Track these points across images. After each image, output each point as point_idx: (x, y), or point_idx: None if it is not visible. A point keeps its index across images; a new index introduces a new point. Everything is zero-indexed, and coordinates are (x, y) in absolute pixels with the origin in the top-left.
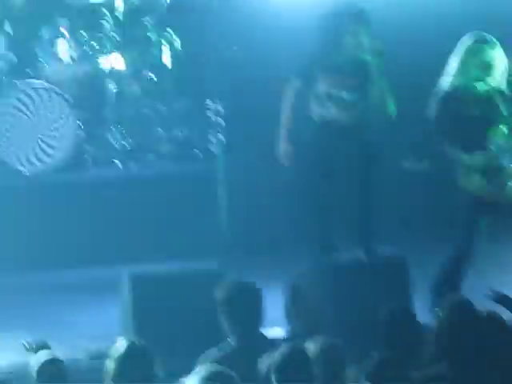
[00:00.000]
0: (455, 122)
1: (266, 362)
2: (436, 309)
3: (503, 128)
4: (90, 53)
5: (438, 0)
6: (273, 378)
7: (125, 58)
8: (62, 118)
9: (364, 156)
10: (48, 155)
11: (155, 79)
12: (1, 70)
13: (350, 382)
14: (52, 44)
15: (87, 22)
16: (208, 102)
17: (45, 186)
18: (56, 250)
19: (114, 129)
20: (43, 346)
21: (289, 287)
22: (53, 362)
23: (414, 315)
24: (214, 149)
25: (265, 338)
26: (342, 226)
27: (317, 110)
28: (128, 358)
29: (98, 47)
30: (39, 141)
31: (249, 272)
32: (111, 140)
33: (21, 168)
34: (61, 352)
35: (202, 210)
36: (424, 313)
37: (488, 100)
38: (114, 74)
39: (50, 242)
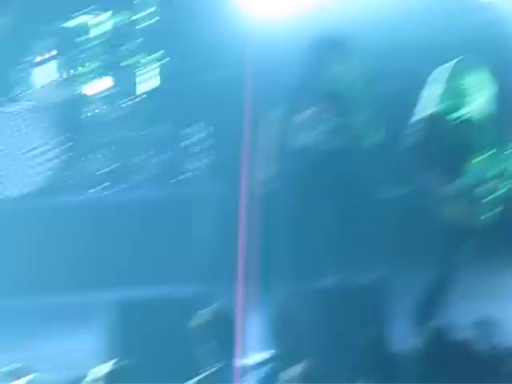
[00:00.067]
0: (434, 149)
1: None
2: (413, 331)
3: (480, 156)
4: (69, 78)
5: (417, 31)
6: None
7: (109, 82)
8: (40, 143)
9: (343, 184)
10: (25, 180)
11: (134, 104)
12: None
13: None
14: (31, 69)
15: (66, 47)
16: (187, 127)
17: (21, 211)
18: (33, 275)
19: (92, 154)
20: (26, 372)
21: (268, 313)
22: None
23: (393, 340)
24: (195, 173)
25: (242, 364)
26: (321, 251)
27: (297, 138)
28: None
29: (77, 72)
30: (18, 165)
31: (226, 298)
32: (90, 165)
33: None
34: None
35: (179, 236)
36: (403, 338)
37: (464, 128)
38: (93, 99)
39: (26, 268)
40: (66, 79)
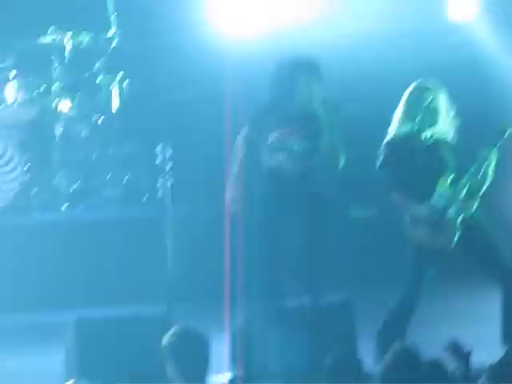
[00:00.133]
0: (401, 172)
1: None
2: (377, 353)
3: (449, 178)
4: (38, 96)
5: (388, 54)
6: None
7: (72, 102)
8: (8, 162)
9: (312, 205)
10: None
11: (103, 123)
12: None
13: None
14: None
15: (35, 65)
16: (156, 146)
17: None
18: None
19: (60, 172)
20: None
21: (236, 333)
22: None
23: (360, 360)
24: (161, 193)
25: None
26: (289, 272)
27: (267, 160)
28: None
29: (45, 90)
30: None
31: (196, 318)
32: (58, 184)
33: None
34: None
35: (148, 255)
36: (369, 358)
37: (433, 149)
38: (61, 117)
39: None
40: (32, 98)
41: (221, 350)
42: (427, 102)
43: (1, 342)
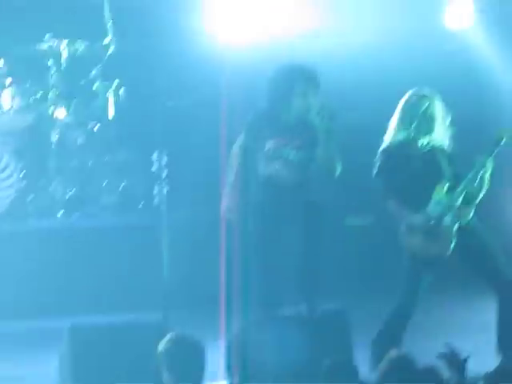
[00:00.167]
0: (397, 179)
1: None
2: (372, 362)
3: (445, 186)
4: (34, 103)
5: (384, 62)
6: None
7: (68, 109)
8: (4, 168)
9: (308, 214)
10: None
11: (99, 130)
12: None
13: None
14: None
15: (31, 72)
16: (152, 153)
17: None
18: None
19: (56, 179)
20: None
21: (231, 340)
22: None
23: (355, 369)
24: (157, 200)
25: None
26: (285, 280)
27: (263, 168)
28: None
29: (41, 97)
30: None
31: (191, 325)
32: (54, 191)
33: None
34: None
35: (145, 262)
36: (365, 367)
37: (429, 157)
38: (57, 124)
39: None
40: (28, 105)
41: (216, 357)
42: (423, 110)
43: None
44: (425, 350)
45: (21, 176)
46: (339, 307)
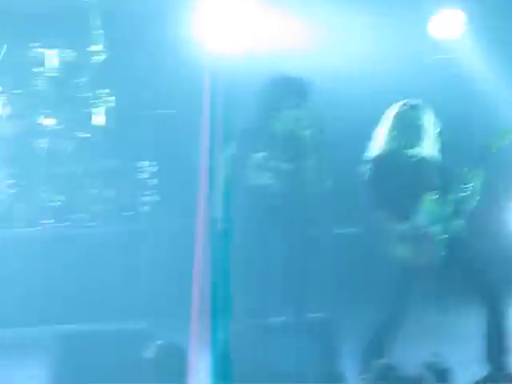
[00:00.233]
0: (386, 189)
1: None
2: (360, 371)
3: (434, 196)
4: (23, 111)
5: (373, 74)
6: None
7: (57, 117)
8: None
9: (296, 223)
10: None
11: (87, 138)
12: None
13: None
14: None
15: (20, 80)
16: (140, 161)
17: None
18: None
19: (45, 188)
20: None
21: (217, 349)
22: None
23: (344, 378)
24: (145, 209)
25: None
26: (274, 289)
27: (254, 178)
28: None
29: (30, 106)
30: None
31: (177, 333)
32: (42, 199)
33: None
34: None
35: (133, 270)
36: (353, 375)
37: (418, 167)
38: (46, 132)
39: None
40: (16, 113)
41: (202, 366)
42: (413, 120)
43: None
44: (413, 358)
45: (9, 184)
46: (327, 316)
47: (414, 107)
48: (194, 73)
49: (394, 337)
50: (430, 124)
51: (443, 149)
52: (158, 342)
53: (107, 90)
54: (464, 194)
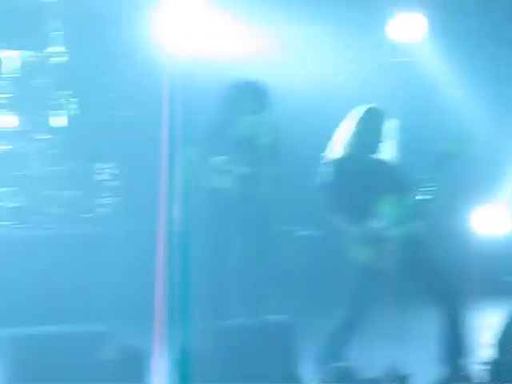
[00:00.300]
0: (343, 192)
1: None
2: (317, 373)
3: (391, 199)
4: None
5: (333, 78)
6: None
7: (16, 118)
8: None
9: (255, 225)
10: None
11: (46, 140)
12: None
13: None
14: None
15: None
16: (99, 163)
17: None
18: None
19: (2, 189)
20: None
21: (177, 351)
22: None
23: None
24: (104, 210)
25: None
26: (232, 291)
27: (213, 181)
28: None
29: None
30: None
31: (135, 335)
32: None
33: None
34: None
35: (91, 272)
36: (311, 377)
37: (376, 169)
38: (4, 133)
39: None
40: None
41: (160, 368)
42: (371, 124)
43: None
44: (371, 361)
45: None
46: (285, 318)
47: (372, 110)
48: (153, 75)
49: (352, 339)
50: (388, 127)
51: (402, 152)
52: (118, 344)
53: (67, 92)
54: (422, 197)
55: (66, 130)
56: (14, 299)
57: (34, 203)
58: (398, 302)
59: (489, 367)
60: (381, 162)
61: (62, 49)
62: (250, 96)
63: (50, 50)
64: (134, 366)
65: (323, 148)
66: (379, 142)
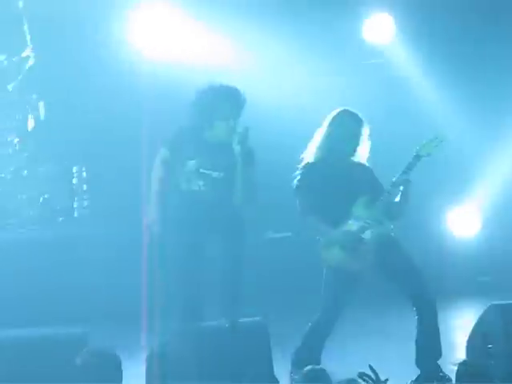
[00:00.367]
0: (317, 195)
1: None
2: (291, 374)
3: (364, 201)
4: None
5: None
6: None
7: None
8: None
9: (230, 229)
10: None
11: (18, 143)
12: None
13: None
14: None
15: None
16: (72, 167)
17: None
18: None
19: None
20: None
21: (152, 354)
22: None
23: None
24: (78, 214)
25: None
26: (207, 293)
27: (187, 184)
28: None
29: None
30: None
31: (113, 338)
32: None
33: None
34: None
35: (65, 275)
36: (285, 379)
37: (349, 172)
38: None
39: None
40: None
41: (137, 371)
42: (345, 126)
43: None
44: (345, 363)
45: None
46: (259, 320)
47: (346, 114)
48: (128, 78)
49: (325, 341)
50: (362, 130)
51: (375, 154)
52: (92, 347)
53: (38, 95)
54: (395, 198)
55: (39, 132)
56: None
57: (8, 207)
58: (372, 304)
59: (463, 367)
60: (354, 164)
61: (34, 52)
62: (224, 101)
63: (22, 53)
64: (112, 369)
65: (298, 152)
66: (353, 144)
